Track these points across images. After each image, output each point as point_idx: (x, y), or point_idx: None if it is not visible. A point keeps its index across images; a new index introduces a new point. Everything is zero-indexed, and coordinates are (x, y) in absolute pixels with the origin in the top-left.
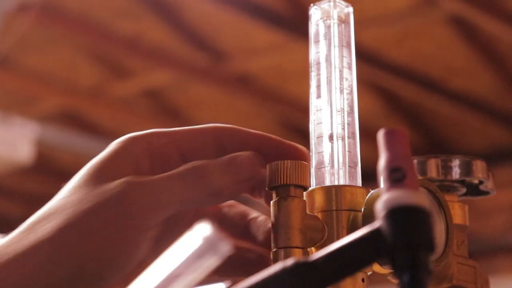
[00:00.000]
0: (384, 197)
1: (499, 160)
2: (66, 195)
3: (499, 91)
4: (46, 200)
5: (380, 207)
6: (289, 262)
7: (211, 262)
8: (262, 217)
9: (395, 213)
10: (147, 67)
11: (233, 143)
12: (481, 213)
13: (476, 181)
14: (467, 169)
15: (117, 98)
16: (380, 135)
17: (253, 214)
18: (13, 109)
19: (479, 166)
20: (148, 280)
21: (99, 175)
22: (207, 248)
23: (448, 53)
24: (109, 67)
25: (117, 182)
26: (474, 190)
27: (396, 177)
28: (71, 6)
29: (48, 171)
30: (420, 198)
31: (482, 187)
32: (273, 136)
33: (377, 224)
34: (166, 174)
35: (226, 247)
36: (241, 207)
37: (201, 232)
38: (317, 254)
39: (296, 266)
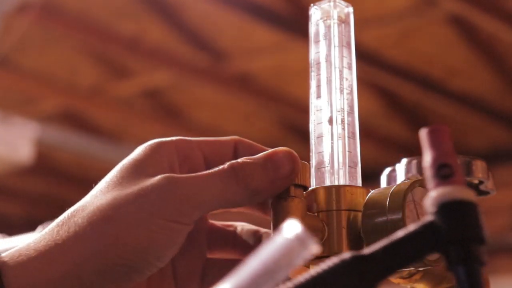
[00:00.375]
0: (434, 193)
1: (499, 160)
2: (100, 192)
3: (499, 91)
4: (46, 200)
5: (430, 203)
6: (346, 255)
7: (301, 259)
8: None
9: (448, 208)
10: (147, 67)
11: (245, 151)
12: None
13: (476, 181)
14: (467, 169)
15: (117, 98)
16: (424, 133)
17: (264, 230)
18: (13, 109)
19: (479, 166)
20: (238, 276)
21: (135, 173)
22: (297, 245)
23: (448, 53)
24: (109, 67)
25: (158, 178)
26: (474, 190)
27: (445, 174)
28: (71, 6)
29: (48, 171)
30: (470, 193)
31: (482, 187)
32: (280, 150)
33: (429, 218)
34: (205, 172)
35: (315, 245)
36: (252, 226)
37: (291, 229)
38: (372, 247)
39: (354, 259)
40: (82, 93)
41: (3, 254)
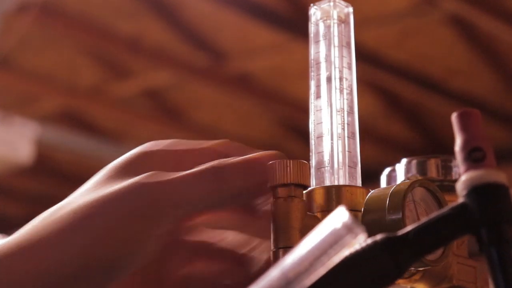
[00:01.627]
0: (465, 176)
1: (499, 160)
2: (86, 191)
3: (499, 91)
4: (46, 200)
5: (462, 186)
6: (379, 236)
7: (349, 247)
8: (260, 249)
9: (480, 190)
10: (147, 67)
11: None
12: None
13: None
14: None
15: (117, 98)
16: (455, 117)
17: (254, 242)
18: (13, 109)
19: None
20: (288, 261)
21: (121, 173)
22: (344, 232)
23: (448, 53)
24: (109, 67)
25: (136, 178)
26: None
27: (476, 157)
28: (71, 6)
29: (48, 171)
30: (502, 176)
31: None
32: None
33: (460, 201)
34: (185, 172)
35: (363, 232)
36: (243, 236)
37: (339, 216)
38: (405, 229)
39: (386, 240)
40: (82, 93)
41: None
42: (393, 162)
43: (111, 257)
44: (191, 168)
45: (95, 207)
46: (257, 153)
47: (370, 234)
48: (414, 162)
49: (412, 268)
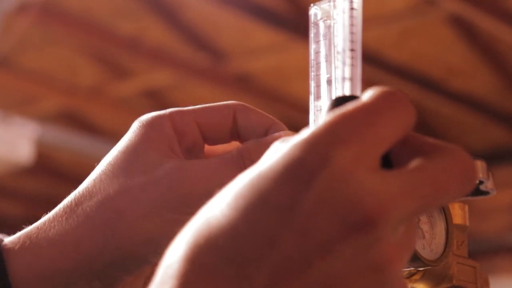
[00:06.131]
0: None
1: (499, 160)
2: (106, 177)
3: (499, 91)
4: (46, 200)
5: None
6: None
7: None
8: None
9: None
10: (147, 67)
11: (246, 120)
12: (481, 213)
13: (476, 181)
14: None
15: (117, 98)
16: None
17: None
18: (13, 109)
19: (479, 166)
20: None
21: (138, 157)
22: None
23: (448, 53)
24: (109, 67)
25: (166, 166)
26: (474, 190)
27: None
28: (71, 6)
29: (48, 171)
30: None
31: (482, 187)
32: (280, 123)
33: None
34: (214, 159)
35: None
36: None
37: None
38: None
39: None
40: (82, 93)
41: (5, 241)
42: None
43: (143, 250)
44: (199, 140)
45: (124, 197)
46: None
47: None
48: None
49: (412, 268)
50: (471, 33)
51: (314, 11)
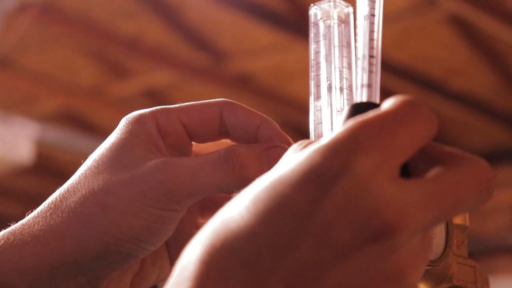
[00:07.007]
0: None
1: (499, 160)
2: (90, 173)
3: (499, 91)
4: (45, 200)
5: None
6: None
7: None
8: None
9: None
10: (147, 67)
11: (233, 118)
12: (481, 213)
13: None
14: None
15: (117, 98)
16: None
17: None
18: (13, 109)
19: None
20: None
21: (123, 153)
22: None
23: (448, 53)
24: (109, 67)
25: (152, 163)
26: None
27: None
28: (71, 6)
29: (48, 171)
30: None
31: None
32: (271, 120)
33: None
34: (201, 158)
35: None
36: None
37: None
38: None
39: None
40: (82, 93)
41: None
42: None
43: (128, 245)
44: (185, 139)
45: (108, 194)
46: (273, 143)
47: None
48: None
49: None
50: (471, 33)
51: (314, 11)
